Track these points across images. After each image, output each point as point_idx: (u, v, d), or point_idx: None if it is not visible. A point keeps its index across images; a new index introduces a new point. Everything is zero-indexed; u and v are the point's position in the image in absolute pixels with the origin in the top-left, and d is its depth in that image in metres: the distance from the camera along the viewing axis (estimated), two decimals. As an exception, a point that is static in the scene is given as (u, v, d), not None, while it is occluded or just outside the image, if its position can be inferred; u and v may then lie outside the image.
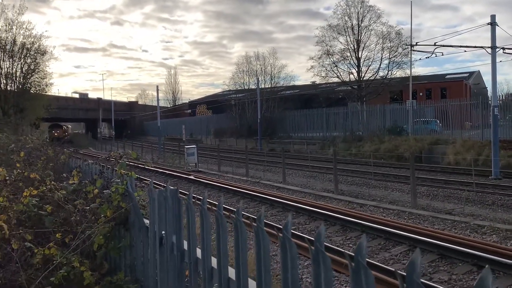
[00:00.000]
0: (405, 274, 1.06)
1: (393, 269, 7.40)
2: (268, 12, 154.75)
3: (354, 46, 42.20)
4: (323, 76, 43.92)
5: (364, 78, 42.55)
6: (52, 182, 4.54)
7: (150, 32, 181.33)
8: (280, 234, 1.53)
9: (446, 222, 11.14)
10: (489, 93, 29.20)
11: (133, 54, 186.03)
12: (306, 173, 22.44)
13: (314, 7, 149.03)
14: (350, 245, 9.61)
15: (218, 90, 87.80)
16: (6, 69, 38.64)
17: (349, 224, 10.87)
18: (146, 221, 3.29)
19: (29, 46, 38.96)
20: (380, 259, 8.47)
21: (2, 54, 38.25)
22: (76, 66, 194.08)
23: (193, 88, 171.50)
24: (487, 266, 0.94)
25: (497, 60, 20.52)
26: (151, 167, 21.63)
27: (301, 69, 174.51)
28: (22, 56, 38.99)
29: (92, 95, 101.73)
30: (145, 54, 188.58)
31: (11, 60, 38.70)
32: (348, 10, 41.97)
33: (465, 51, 24.07)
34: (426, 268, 7.89)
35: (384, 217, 11.85)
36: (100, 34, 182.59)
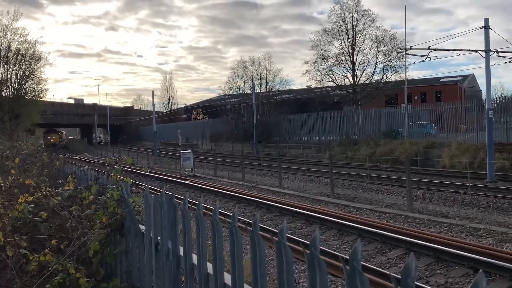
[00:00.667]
0: (399, 277, 1.06)
1: (388, 273, 7.40)
2: (262, 17, 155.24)
3: (348, 50, 42.31)
4: (318, 80, 44.02)
5: (359, 82, 42.64)
6: (48, 188, 4.53)
7: (145, 37, 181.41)
8: (276, 238, 1.53)
9: (442, 225, 11.16)
10: (484, 96, 29.35)
11: (128, 59, 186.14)
12: (302, 177, 22.45)
13: (307, 12, 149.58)
14: (347, 249, 9.61)
15: (213, 95, 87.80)
16: (1, 75, 38.56)
17: (345, 228, 10.87)
18: (142, 227, 3.28)
19: (24, 52, 38.93)
20: (377, 262, 8.47)
21: (-4, 60, 38.17)
22: (71, 71, 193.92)
23: (188, 93, 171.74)
24: (481, 270, 0.95)
25: (491, 63, 20.65)
26: (147, 172, 21.62)
27: (296, 73, 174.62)
28: (17, 62, 38.91)
29: (88, 100, 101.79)
30: (140, 59, 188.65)
31: (5, 66, 38.63)
32: (342, 15, 42.12)
33: (459, 54, 24.14)
34: (422, 271, 7.89)
35: (380, 220, 11.86)
36: (94, 39, 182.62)
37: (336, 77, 43.33)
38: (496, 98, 27.55)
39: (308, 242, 1.36)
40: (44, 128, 65.98)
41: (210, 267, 2.17)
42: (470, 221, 11.54)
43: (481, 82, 68.70)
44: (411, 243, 9.06)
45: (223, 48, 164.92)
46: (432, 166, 24.43)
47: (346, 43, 42.32)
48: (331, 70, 43.04)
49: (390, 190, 17.67)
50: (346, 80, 43.35)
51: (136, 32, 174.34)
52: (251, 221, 1.70)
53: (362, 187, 18.44)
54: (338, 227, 11.05)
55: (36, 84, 40.93)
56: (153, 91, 51.88)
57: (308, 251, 1.34)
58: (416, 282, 6.90)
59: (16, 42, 38.64)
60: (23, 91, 40.14)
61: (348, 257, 1.17)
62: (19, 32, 38.49)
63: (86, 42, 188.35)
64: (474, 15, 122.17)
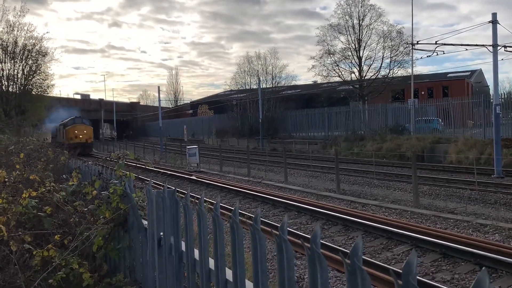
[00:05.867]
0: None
1: (394, 269, 7.37)
2: (264, 13, 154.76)
3: (355, 45, 42.17)
4: (325, 76, 43.95)
5: (366, 77, 42.50)
6: (52, 184, 4.53)
7: (148, 33, 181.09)
8: (276, 232, 1.51)
9: (448, 221, 11.10)
10: (491, 91, 29.15)
11: (132, 55, 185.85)
12: (308, 173, 22.41)
13: (310, 7, 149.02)
14: (352, 244, 9.56)
15: (218, 91, 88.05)
16: (7, 71, 38.70)
17: (351, 223, 10.84)
18: (145, 222, 3.27)
19: (30, 48, 39.02)
20: (382, 258, 8.44)
21: (3, 55, 38.32)
22: (76, 67, 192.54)
23: (193, 89, 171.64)
24: (483, 268, 0.92)
25: (499, 58, 20.48)
26: (152, 167, 21.67)
27: (300, 69, 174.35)
28: (24, 58, 39.04)
29: (93, 96, 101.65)
30: (144, 55, 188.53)
31: (12, 61, 38.75)
32: (348, 10, 41.98)
33: (466, 49, 23.97)
34: (428, 267, 7.85)
35: (386, 216, 11.82)
36: (98, 35, 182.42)
37: (343, 72, 43.28)
38: (504, 93, 27.35)
39: (308, 236, 1.34)
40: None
41: (212, 262, 2.16)
42: (477, 217, 11.47)
43: (489, 77, 68.34)
44: (417, 239, 9.02)
45: (226, 43, 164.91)
46: (438, 161, 24.32)
47: (353, 38, 42.21)
48: (337, 65, 42.97)
49: (396, 186, 17.60)
50: (353, 75, 43.28)
51: (139, 28, 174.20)
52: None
53: (368, 183, 18.37)
54: (343, 223, 11.02)
55: (42, 79, 41.07)
56: (159, 87, 51.88)
57: (308, 245, 1.31)
58: (422, 278, 6.87)
59: (23, 38, 38.78)
60: (30, 86, 40.27)
61: (347, 251, 1.14)
62: (25, 28, 38.62)
63: (90, 38, 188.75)
64: (477, 10, 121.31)
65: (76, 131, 41.94)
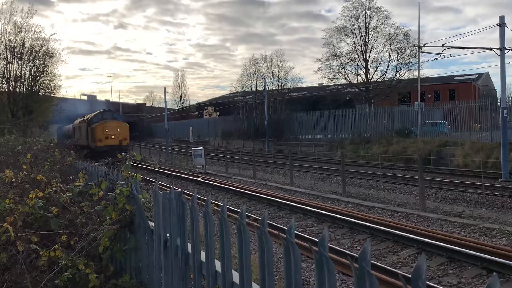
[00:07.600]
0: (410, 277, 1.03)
1: (401, 273, 7.34)
2: (269, 15, 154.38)
3: (361, 47, 42.02)
4: (331, 78, 43.79)
5: (372, 80, 42.35)
6: (58, 184, 4.55)
7: (154, 34, 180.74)
8: (284, 235, 1.51)
9: (455, 225, 11.05)
10: (498, 94, 28.97)
11: (137, 56, 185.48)
12: (314, 175, 22.37)
13: (315, 9, 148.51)
14: (358, 247, 9.54)
15: (224, 92, 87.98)
16: (15, 72, 38.87)
17: (357, 226, 10.80)
18: (151, 224, 3.27)
19: (37, 49, 39.15)
20: (388, 262, 8.40)
21: (11, 56, 38.50)
22: (82, 68, 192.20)
23: (199, 90, 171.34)
24: (494, 273, 0.91)
25: (506, 61, 20.36)
26: (158, 168, 21.70)
27: (306, 71, 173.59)
28: (31, 59, 39.17)
29: (99, 97, 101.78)
30: (149, 57, 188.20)
31: (20, 62, 38.91)
32: (355, 12, 41.84)
33: (474, 52, 23.89)
34: (434, 271, 7.81)
35: (392, 219, 11.77)
36: (104, 37, 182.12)
37: (349, 75, 43.12)
38: (511, 96, 27.13)
39: (317, 240, 1.33)
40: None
41: (218, 264, 2.15)
42: (484, 221, 11.40)
43: (496, 80, 68.05)
44: (423, 243, 8.98)
45: (232, 45, 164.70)
46: (445, 165, 24.19)
47: (359, 41, 42.06)
48: (343, 68, 42.83)
49: (403, 189, 17.53)
50: (359, 77, 43.12)
51: (144, 30, 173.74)
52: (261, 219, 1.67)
53: (374, 186, 18.32)
54: (349, 226, 10.99)
55: (49, 80, 41.18)
56: (165, 88, 51.97)
57: (316, 249, 1.30)
58: (428, 282, 6.84)
59: (30, 39, 38.93)
60: (37, 87, 40.44)
61: (356, 255, 1.13)
62: (33, 29, 38.77)
63: (96, 40, 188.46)
64: (483, 13, 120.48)
65: (106, 130, 31.33)
